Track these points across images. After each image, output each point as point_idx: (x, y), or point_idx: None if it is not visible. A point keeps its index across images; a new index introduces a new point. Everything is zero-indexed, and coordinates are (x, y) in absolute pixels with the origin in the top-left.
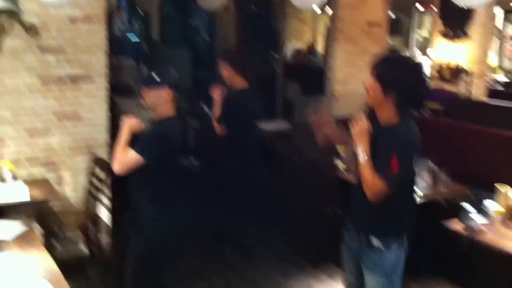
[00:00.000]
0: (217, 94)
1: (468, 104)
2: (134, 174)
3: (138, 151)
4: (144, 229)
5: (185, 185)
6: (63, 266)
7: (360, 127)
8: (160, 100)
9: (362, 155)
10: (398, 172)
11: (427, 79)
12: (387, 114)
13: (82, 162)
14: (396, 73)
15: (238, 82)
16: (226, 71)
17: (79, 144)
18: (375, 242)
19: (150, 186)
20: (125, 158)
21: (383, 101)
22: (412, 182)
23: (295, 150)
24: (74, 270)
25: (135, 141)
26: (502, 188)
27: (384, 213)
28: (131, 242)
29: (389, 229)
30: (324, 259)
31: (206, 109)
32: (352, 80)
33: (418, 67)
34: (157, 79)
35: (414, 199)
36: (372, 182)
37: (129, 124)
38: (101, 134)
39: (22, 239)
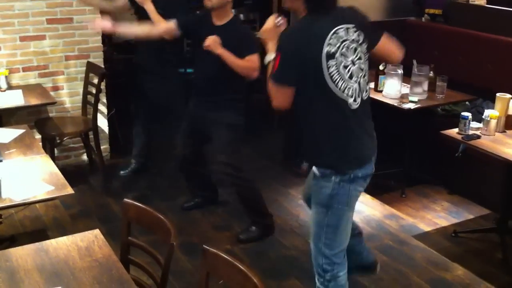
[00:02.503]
0: None
1: (466, 9)
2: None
3: (254, 51)
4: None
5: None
6: (63, 173)
7: (270, 25)
8: (227, 3)
9: (270, 55)
10: (276, 68)
11: None
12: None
13: (76, 69)
14: None
15: None
16: None
17: (73, 50)
18: (315, 170)
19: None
20: (256, 63)
21: None
22: (324, 97)
23: None
24: (75, 178)
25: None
26: (502, 96)
27: (307, 141)
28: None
29: (319, 160)
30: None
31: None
32: None
33: None
34: None
35: (340, 131)
36: (269, 84)
37: (215, 44)
38: (95, 40)
39: (23, 145)
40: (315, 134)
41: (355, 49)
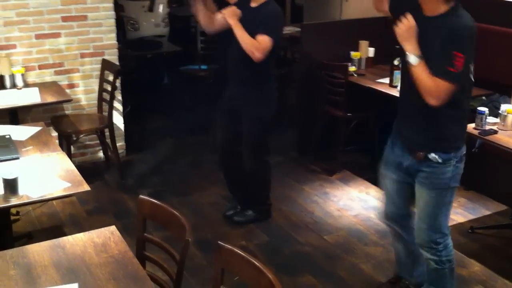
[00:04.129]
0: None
1: (478, 2)
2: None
3: (268, 34)
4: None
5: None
6: (79, 170)
7: (406, 26)
8: None
9: (414, 57)
10: (462, 66)
11: None
12: (434, 1)
13: (91, 66)
14: None
15: None
16: None
17: (88, 48)
18: (433, 157)
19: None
20: (264, 44)
21: None
22: (470, 88)
23: (306, 54)
24: (91, 174)
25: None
26: None
27: (440, 127)
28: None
29: (448, 145)
30: (338, 165)
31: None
32: None
33: None
34: None
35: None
36: (433, 84)
37: (232, 13)
38: (109, 38)
39: (40, 142)
40: (459, 122)
41: None
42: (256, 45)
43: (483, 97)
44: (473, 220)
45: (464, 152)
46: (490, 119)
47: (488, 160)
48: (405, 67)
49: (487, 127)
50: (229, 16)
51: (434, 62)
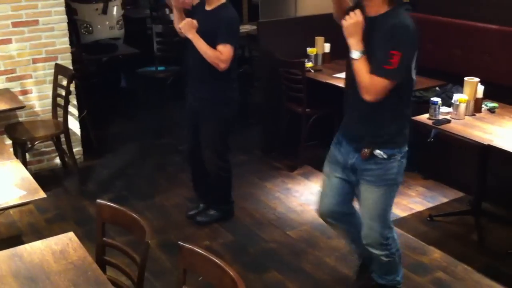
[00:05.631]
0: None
1: None
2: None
3: (229, 42)
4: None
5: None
6: (36, 178)
7: (354, 20)
8: None
9: (356, 52)
10: (398, 64)
11: None
12: (377, 2)
13: (45, 72)
14: None
15: None
16: None
17: (40, 53)
18: (378, 153)
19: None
20: (226, 54)
21: None
22: (411, 86)
23: (264, 51)
24: (49, 182)
25: None
26: (470, 80)
27: (384, 123)
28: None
29: (391, 141)
30: (300, 161)
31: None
32: None
33: None
34: None
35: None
36: (369, 80)
37: (189, 27)
38: (62, 42)
39: None
40: (401, 118)
41: None
42: (220, 57)
43: (437, 88)
44: (432, 208)
45: (407, 149)
46: (444, 109)
47: (443, 148)
48: (350, 64)
49: (441, 117)
50: (187, 30)
51: (372, 59)
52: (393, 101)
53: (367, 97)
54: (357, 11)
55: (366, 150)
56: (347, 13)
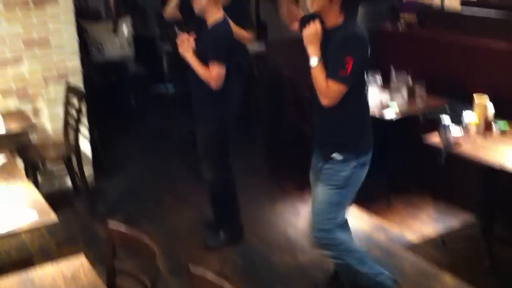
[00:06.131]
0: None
1: (441, 14)
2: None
3: (217, 59)
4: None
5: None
6: (47, 199)
7: (313, 30)
8: (210, 3)
9: (314, 59)
10: (351, 70)
11: None
12: (334, 15)
13: (56, 92)
14: None
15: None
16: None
17: (52, 72)
18: (335, 155)
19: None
20: (215, 73)
21: (328, 3)
22: (364, 90)
23: (272, 70)
24: (59, 204)
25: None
26: (479, 97)
27: (341, 126)
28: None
29: (348, 144)
30: (308, 180)
31: (179, 31)
32: None
33: None
34: None
35: (369, 115)
36: (326, 85)
37: (186, 48)
38: (73, 61)
39: (5, 172)
40: (357, 124)
41: None
42: (210, 76)
43: (445, 105)
44: (443, 232)
45: (368, 163)
46: (454, 130)
47: (455, 170)
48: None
49: (451, 140)
50: (184, 51)
51: (328, 66)
52: (348, 106)
53: (324, 101)
54: (317, 21)
55: (326, 153)
56: (305, 23)
